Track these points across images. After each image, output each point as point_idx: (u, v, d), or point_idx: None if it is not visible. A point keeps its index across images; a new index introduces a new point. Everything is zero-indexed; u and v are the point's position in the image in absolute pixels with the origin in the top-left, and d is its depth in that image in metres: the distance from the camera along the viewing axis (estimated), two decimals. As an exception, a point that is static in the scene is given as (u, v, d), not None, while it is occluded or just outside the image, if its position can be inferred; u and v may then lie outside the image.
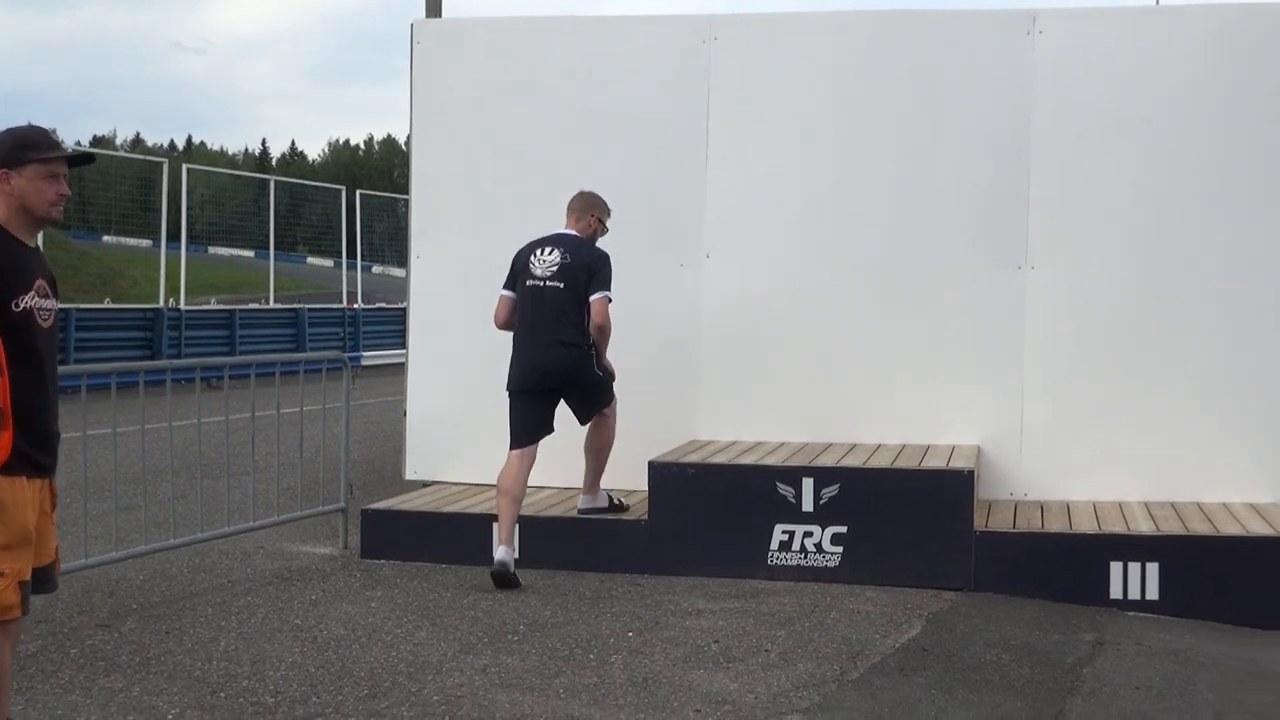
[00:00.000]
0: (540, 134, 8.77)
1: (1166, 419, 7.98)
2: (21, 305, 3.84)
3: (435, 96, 8.94)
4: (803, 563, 7.20)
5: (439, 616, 6.38)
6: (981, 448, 8.08)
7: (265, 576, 7.25)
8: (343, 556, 7.79)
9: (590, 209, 7.43)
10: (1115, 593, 6.92)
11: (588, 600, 6.73)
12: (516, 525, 7.19)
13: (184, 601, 6.63)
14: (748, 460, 7.70)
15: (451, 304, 8.83)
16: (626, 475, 7.67)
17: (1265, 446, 7.89)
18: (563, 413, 7.36)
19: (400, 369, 9.54)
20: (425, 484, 8.77)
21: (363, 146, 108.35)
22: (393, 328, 25.97)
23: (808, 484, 7.24)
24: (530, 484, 7.28)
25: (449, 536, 7.64)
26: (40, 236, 4.12)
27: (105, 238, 38.99)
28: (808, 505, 7.22)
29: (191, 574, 7.27)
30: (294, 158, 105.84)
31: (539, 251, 7.27)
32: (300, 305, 26.46)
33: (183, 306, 23.05)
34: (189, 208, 25.01)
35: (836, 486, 7.22)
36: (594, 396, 7.35)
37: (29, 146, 3.96)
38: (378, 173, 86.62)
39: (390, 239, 35.67)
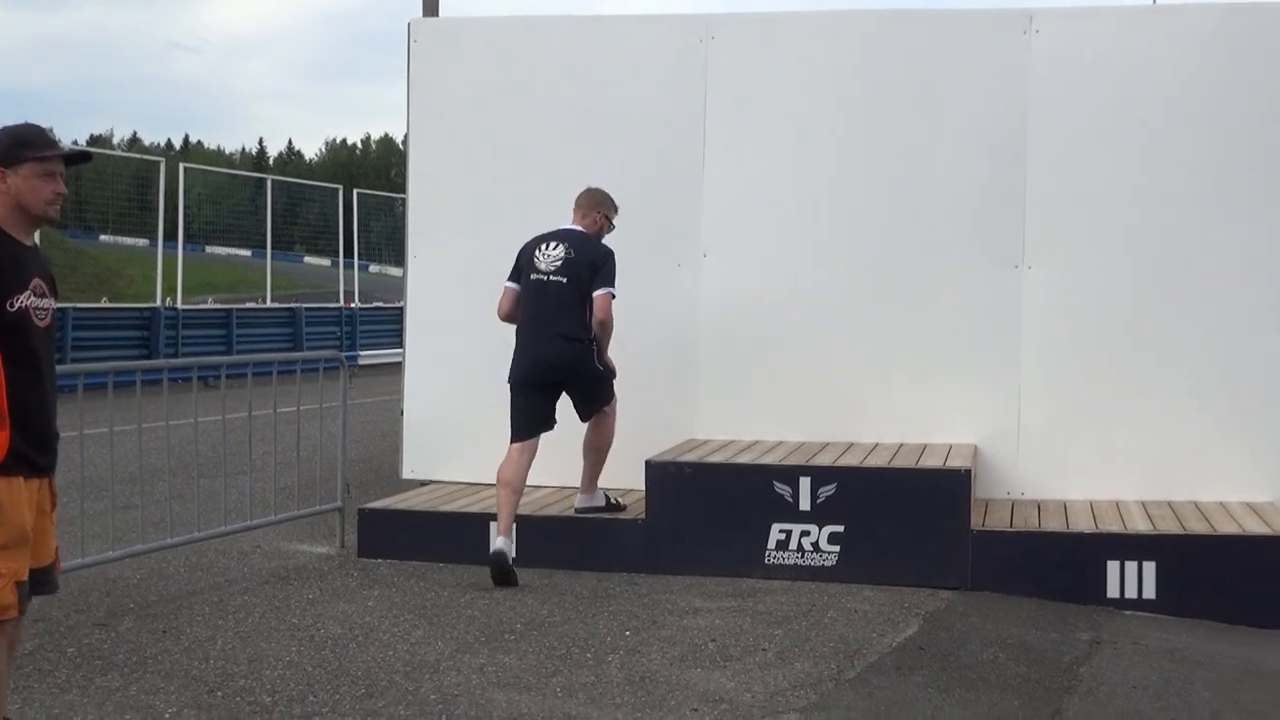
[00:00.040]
0: (537, 133, 8.77)
1: (1163, 418, 7.99)
2: (17, 305, 3.83)
3: (432, 96, 8.94)
4: (800, 562, 7.20)
5: (436, 615, 6.37)
6: (978, 447, 8.08)
7: (262, 576, 7.24)
8: (340, 556, 7.79)
9: (597, 206, 7.45)
10: (1112, 592, 6.92)
11: (585, 599, 6.73)
12: (515, 519, 7.19)
13: (181, 600, 6.63)
14: (745, 459, 7.71)
15: (449, 303, 8.83)
16: (624, 474, 7.67)
17: (1262, 446, 7.89)
18: (562, 412, 7.36)
19: (397, 368, 9.54)
20: (422, 483, 8.77)
21: (360, 146, 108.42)
22: (390, 327, 25.99)
23: (805, 483, 7.24)
24: (528, 483, 7.29)
25: (446, 536, 7.64)
26: (37, 235, 4.11)
27: (102, 237, 38.96)
28: (805, 504, 7.22)
29: (188, 573, 7.26)
30: (291, 157, 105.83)
31: (544, 246, 7.30)
32: (297, 304, 26.46)
33: (180, 306, 23.06)
34: (186, 207, 25.02)
35: (833, 486, 7.23)
36: (595, 392, 7.36)
37: (25, 145, 3.95)
38: (375, 172, 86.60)
39: (387, 238, 35.66)
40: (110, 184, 31.97)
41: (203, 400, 7.38)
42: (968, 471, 7.23)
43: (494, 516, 7.21)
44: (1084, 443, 8.08)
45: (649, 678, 5.40)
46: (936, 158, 8.31)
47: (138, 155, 45.45)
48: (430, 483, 8.73)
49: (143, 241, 31.92)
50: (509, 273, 7.40)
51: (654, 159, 8.59)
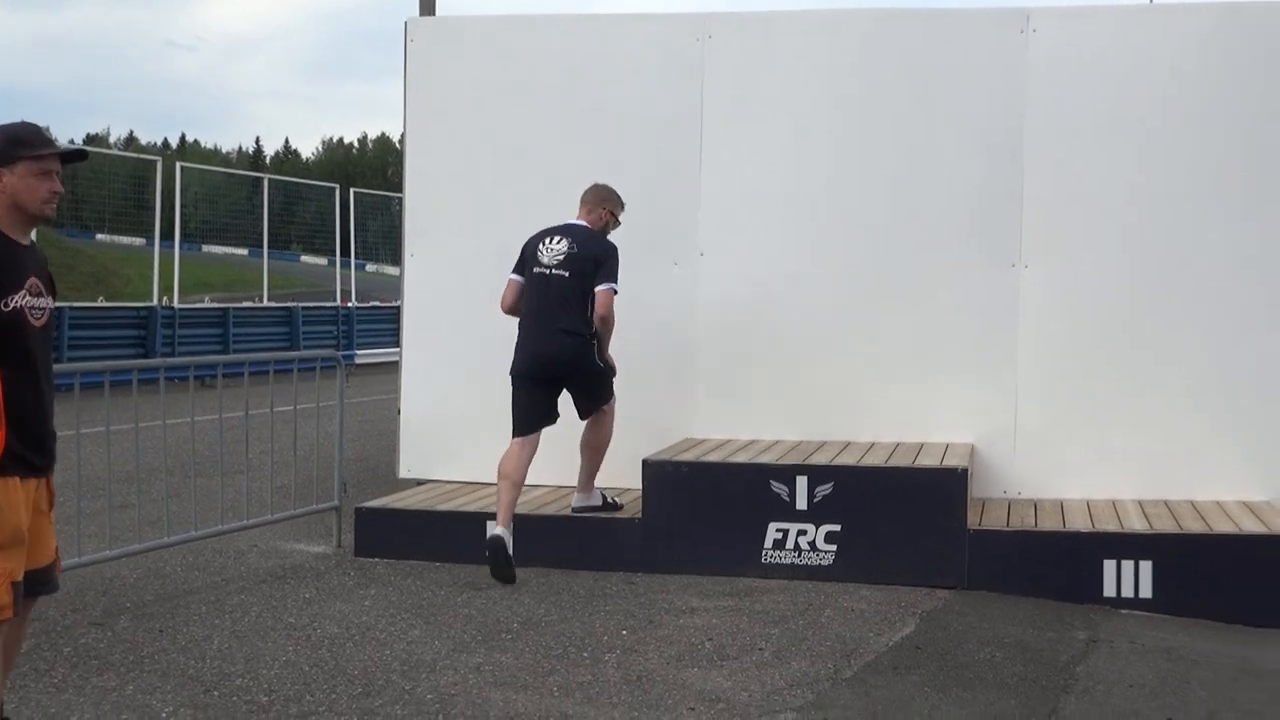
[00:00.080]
0: (534, 131, 8.76)
1: (1160, 417, 8.00)
2: (12, 305, 3.83)
3: (429, 94, 8.93)
4: (796, 561, 7.20)
5: (433, 615, 6.37)
6: (975, 446, 8.08)
7: (259, 575, 7.24)
8: (336, 555, 7.78)
9: (603, 202, 7.46)
10: (1109, 591, 6.92)
11: (581, 598, 6.73)
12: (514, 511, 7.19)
13: (178, 600, 6.63)
14: (742, 458, 7.71)
15: (446, 302, 8.83)
16: (620, 474, 7.67)
17: (1258, 445, 7.90)
18: (560, 411, 7.36)
19: (394, 367, 9.54)
20: (419, 482, 8.76)
21: (356, 144, 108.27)
22: (386, 326, 25.99)
23: (801, 482, 7.24)
24: (525, 483, 7.28)
25: (443, 535, 7.64)
26: (34, 234, 4.10)
27: (99, 236, 38.88)
28: (801, 503, 7.22)
29: (185, 572, 7.26)
30: (288, 156, 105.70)
31: (548, 240, 7.31)
32: (294, 303, 26.44)
33: (176, 305, 23.04)
34: (182, 206, 25.04)
35: (830, 485, 7.23)
36: (595, 389, 7.37)
37: (20, 144, 3.95)
38: (371, 170, 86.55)
39: (384, 237, 35.65)
40: (107, 183, 31.94)
41: (199, 399, 7.37)
42: (964, 471, 7.23)
43: (491, 516, 7.21)
44: (1081, 442, 8.08)
45: (646, 677, 5.40)
46: (934, 157, 8.31)
47: (134, 154, 45.42)
48: (427, 482, 8.73)
49: (139, 241, 31.88)
50: (514, 265, 7.42)
51: (652, 158, 8.58)
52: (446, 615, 6.36)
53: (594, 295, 7.17)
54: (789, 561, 7.21)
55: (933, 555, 7.07)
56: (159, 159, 25.72)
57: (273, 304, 27.38)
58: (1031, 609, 6.72)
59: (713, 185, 8.52)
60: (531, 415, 7.24)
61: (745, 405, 8.44)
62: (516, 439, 7.22)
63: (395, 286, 11.01)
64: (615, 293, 7.20)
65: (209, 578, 7.15)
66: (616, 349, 7.44)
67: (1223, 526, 7.16)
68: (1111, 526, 7.22)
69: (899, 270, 8.35)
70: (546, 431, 7.29)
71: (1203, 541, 6.98)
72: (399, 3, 9.77)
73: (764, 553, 7.23)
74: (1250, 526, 7.15)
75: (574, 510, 7.63)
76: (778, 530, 7.23)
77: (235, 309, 24.40)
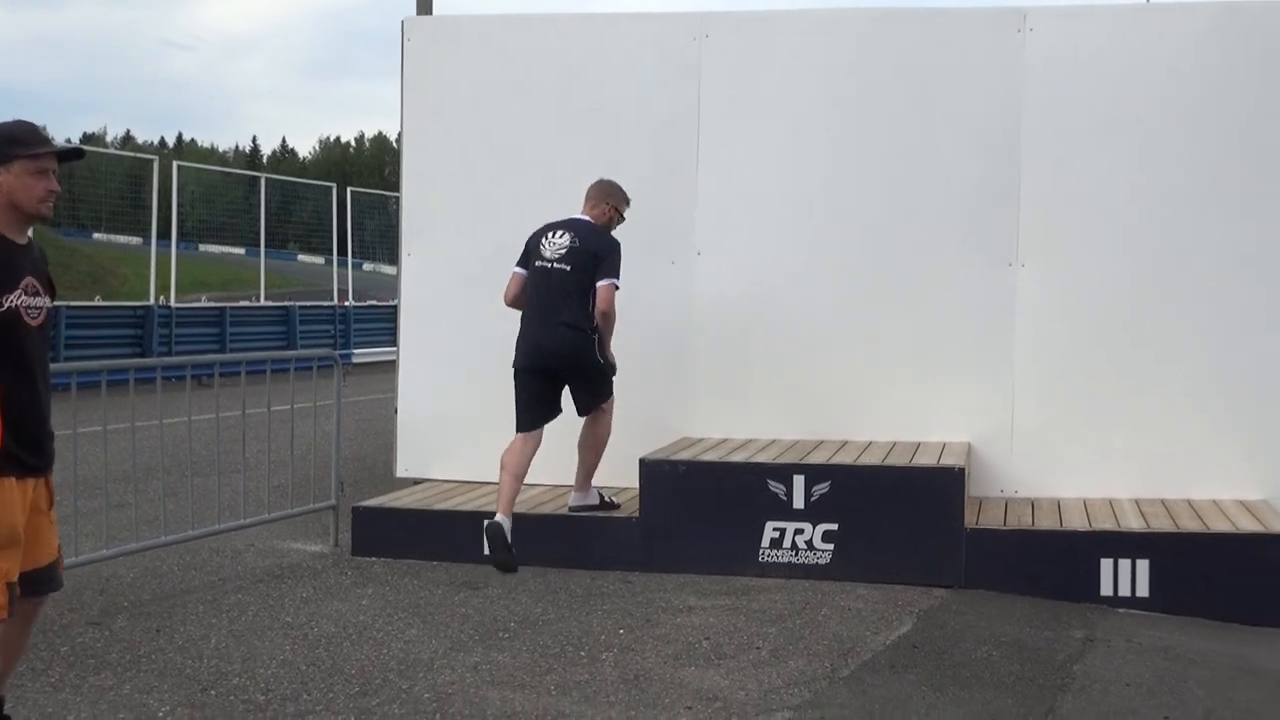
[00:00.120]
0: (531, 131, 8.76)
1: (1158, 417, 7.99)
2: (7, 304, 3.83)
3: (426, 93, 8.93)
4: (794, 560, 7.20)
5: (430, 614, 6.37)
6: (972, 445, 8.08)
7: (256, 574, 7.23)
8: (333, 554, 7.78)
9: (607, 197, 7.48)
10: (1106, 590, 6.92)
11: (579, 598, 6.73)
12: (514, 504, 7.20)
13: (174, 599, 6.62)
14: (739, 458, 7.70)
15: (443, 302, 8.82)
16: (618, 473, 7.67)
17: (1257, 444, 7.90)
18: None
19: (391, 366, 9.53)
20: (416, 481, 8.76)
21: (353, 143, 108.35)
22: (384, 325, 25.97)
23: (799, 481, 7.24)
24: (525, 479, 7.29)
25: (440, 534, 7.64)
26: (31, 233, 4.10)
27: (95, 235, 38.92)
28: (799, 502, 7.22)
29: (182, 571, 7.25)
30: (284, 155, 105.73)
31: (551, 234, 7.34)
32: (291, 303, 26.44)
33: (173, 304, 23.02)
34: (179, 205, 25.01)
35: (827, 484, 7.23)
36: (595, 386, 7.38)
37: (16, 142, 3.95)
38: (369, 170, 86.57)
39: (381, 236, 35.64)
40: (104, 182, 31.95)
41: (196, 398, 7.36)
42: (962, 470, 7.23)
43: (489, 515, 7.22)
44: (1078, 441, 8.08)
45: (643, 676, 5.40)
46: (931, 156, 8.31)
47: (131, 153, 45.42)
48: (424, 481, 8.72)
49: (136, 240, 31.90)
50: (518, 258, 7.44)
51: (649, 157, 8.58)
52: (443, 614, 6.36)
53: (595, 290, 7.18)
54: (786, 560, 7.21)
55: (930, 554, 7.07)
56: (156, 158, 25.68)
57: (270, 303, 27.37)
58: (1028, 608, 6.72)
59: (710, 185, 8.52)
60: (535, 410, 7.26)
61: (742, 404, 8.44)
62: (520, 434, 7.23)
63: (392, 286, 11.01)
64: (617, 288, 7.21)
65: (206, 577, 7.15)
66: (614, 347, 7.44)
67: (1220, 525, 7.16)
68: (1108, 525, 7.22)
69: (896, 270, 8.35)
70: (545, 430, 7.29)
71: (1200, 540, 6.98)
72: (396, 2, 9.75)
73: (761, 552, 7.23)
74: (1247, 525, 7.15)
75: (571, 509, 7.63)
76: (775, 529, 7.23)
77: (232, 308, 24.41)
